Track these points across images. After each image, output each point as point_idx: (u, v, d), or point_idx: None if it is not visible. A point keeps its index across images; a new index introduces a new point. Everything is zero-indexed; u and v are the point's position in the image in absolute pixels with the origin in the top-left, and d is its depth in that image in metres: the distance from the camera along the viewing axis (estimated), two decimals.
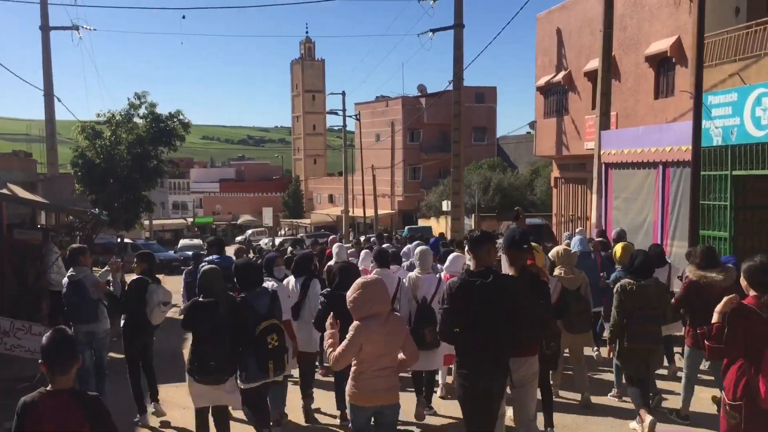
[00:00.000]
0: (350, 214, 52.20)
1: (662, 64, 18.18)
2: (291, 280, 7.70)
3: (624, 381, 7.22)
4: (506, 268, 5.73)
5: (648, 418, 6.42)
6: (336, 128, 64.09)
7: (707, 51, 15.60)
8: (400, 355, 4.92)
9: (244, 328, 5.79)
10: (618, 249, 9.14)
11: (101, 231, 16.10)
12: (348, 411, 5.07)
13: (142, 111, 19.98)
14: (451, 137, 26.59)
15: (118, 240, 17.24)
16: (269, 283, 6.86)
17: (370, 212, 59.22)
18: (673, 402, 7.63)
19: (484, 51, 33.64)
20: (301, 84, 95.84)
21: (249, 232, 70.03)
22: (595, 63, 20.87)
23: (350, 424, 5.10)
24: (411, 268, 8.39)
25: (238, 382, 5.96)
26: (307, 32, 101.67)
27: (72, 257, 7.63)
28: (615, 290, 6.75)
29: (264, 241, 54.32)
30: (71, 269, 7.57)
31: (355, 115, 49.50)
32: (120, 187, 19.27)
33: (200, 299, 5.77)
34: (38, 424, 3.31)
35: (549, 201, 44.30)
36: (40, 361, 3.46)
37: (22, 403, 3.37)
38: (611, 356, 7.19)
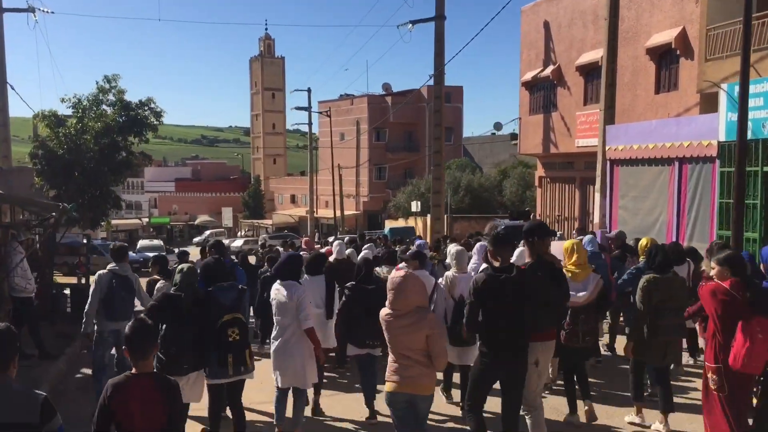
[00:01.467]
0: (315, 215, 50.78)
1: (664, 57, 17.39)
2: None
3: (630, 368, 7.03)
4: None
5: (637, 418, 6.86)
6: (299, 127, 62.65)
7: (714, 43, 14.82)
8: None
9: (206, 319, 5.94)
10: (647, 242, 8.50)
11: (66, 230, 14.45)
12: (385, 401, 5.19)
13: (111, 97, 18.23)
14: (432, 134, 25.44)
15: (84, 240, 15.45)
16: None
17: (332, 213, 57.89)
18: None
19: (457, 48, 32.52)
20: (260, 82, 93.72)
21: (207, 232, 67.96)
22: (588, 56, 20.07)
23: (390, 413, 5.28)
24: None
25: (206, 378, 6.13)
26: (266, 29, 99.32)
27: (121, 253, 8.04)
28: (640, 285, 6.64)
29: (225, 242, 52.45)
30: (115, 264, 7.82)
31: (326, 112, 48.04)
32: (86, 181, 17.48)
33: (170, 292, 6.16)
34: (125, 404, 3.66)
35: (519, 202, 43.86)
36: (123, 347, 3.85)
37: (111, 385, 3.72)
38: (630, 353, 6.83)
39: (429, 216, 41.76)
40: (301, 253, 10.34)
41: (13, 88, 20.67)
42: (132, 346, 3.77)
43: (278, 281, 6.57)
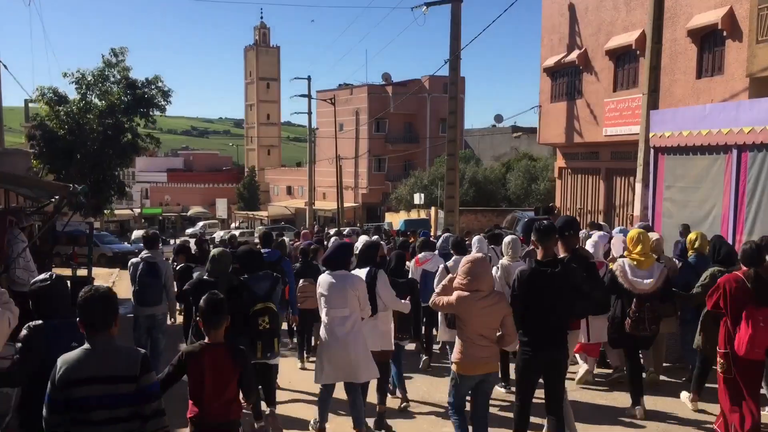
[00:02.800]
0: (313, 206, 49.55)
1: (707, 39, 16.31)
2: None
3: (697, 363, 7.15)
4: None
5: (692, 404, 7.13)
6: (298, 117, 61.09)
7: (766, 23, 13.76)
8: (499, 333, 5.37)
9: (239, 307, 5.89)
10: (696, 237, 8.24)
11: (66, 216, 13.14)
12: (450, 383, 5.50)
13: (116, 74, 16.84)
14: (447, 122, 24.35)
15: (87, 228, 14.15)
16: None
17: (331, 205, 56.66)
18: None
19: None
20: (255, 71, 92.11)
21: (200, 224, 66.66)
22: (619, 39, 18.99)
23: (449, 397, 5.60)
24: (446, 257, 9.05)
25: None
26: (261, 17, 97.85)
27: (153, 241, 8.60)
28: (706, 278, 6.79)
29: (219, 234, 51.30)
30: (146, 251, 8.34)
31: (329, 99, 46.68)
32: (88, 165, 16.16)
33: (204, 277, 6.22)
34: (200, 370, 4.13)
35: (524, 195, 42.83)
36: (198, 318, 4.38)
37: (185, 353, 4.24)
38: (702, 347, 6.85)
39: (433, 208, 40.94)
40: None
41: (6, 68, 19.41)
42: (205, 317, 4.24)
43: (328, 271, 6.30)
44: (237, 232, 48.83)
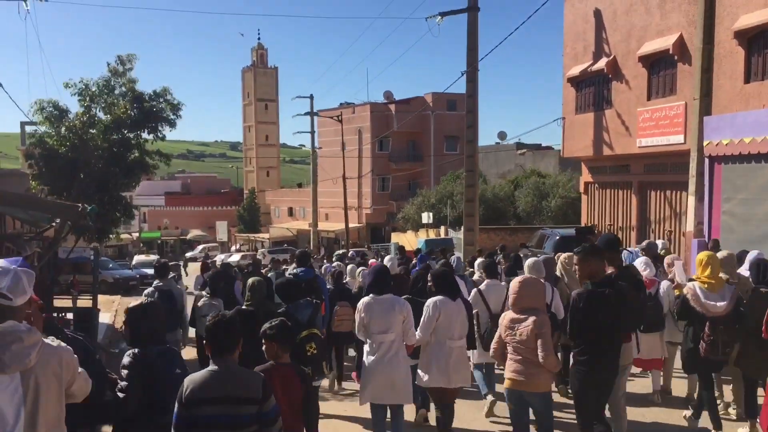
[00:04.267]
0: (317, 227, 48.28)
1: (757, 41, 15.20)
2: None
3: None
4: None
5: None
6: (300, 136, 60.04)
7: None
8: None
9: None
10: (707, 259, 7.13)
11: (76, 242, 11.92)
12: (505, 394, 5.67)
13: (122, 87, 15.52)
14: (465, 136, 23.14)
15: (92, 255, 12.75)
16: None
17: (334, 226, 55.38)
18: None
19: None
20: (253, 92, 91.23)
21: (200, 247, 65.32)
22: (653, 45, 17.91)
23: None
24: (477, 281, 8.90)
25: None
26: (259, 38, 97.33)
27: (163, 270, 8.75)
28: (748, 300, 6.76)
29: (220, 257, 49.98)
30: (158, 281, 8.57)
31: (336, 117, 45.56)
32: (93, 185, 14.80)
33: (242, 307, 6.50)
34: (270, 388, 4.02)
35: (534, 213, 41.63)
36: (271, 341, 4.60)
37: (258, 371, 4.23)
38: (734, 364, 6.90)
39: (443, 227, 39.71)
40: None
41: (1, 86, 18.14)
42: (279, 340, 4.58)
43: (372, 295, 6.35)
44: (238, 256, 47.60)
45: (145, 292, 8.59)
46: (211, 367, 3.69)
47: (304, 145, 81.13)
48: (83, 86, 15.53)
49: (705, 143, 13.29)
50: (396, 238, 45.53)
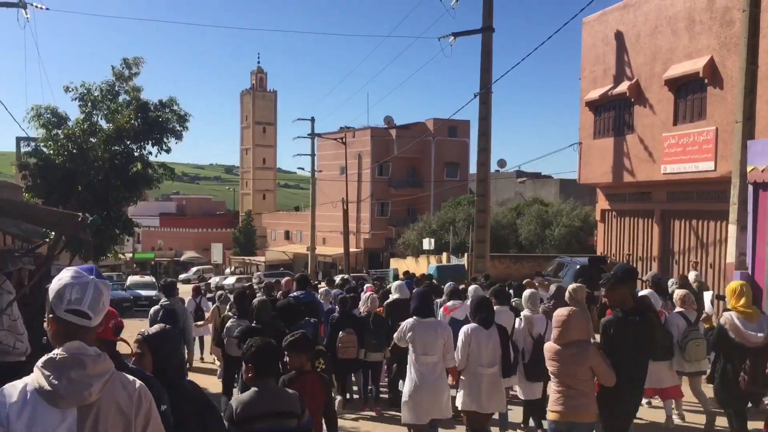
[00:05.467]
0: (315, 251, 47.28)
1: None
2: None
3: None
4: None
5: None
6: (300, 158, 59.11)
7: None
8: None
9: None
10: (740, 288, 7.04)
11: (72, 258, 10.82)
12: (548, 427, 5.56)
13: (125, 95, 14.54)
14: (477, 159, 22.31)
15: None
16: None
17: (332, 250, 54.43)
18: None
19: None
20: (251, 115, 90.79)
21: (194, 269, 64.22)
22: (681, 68, 17.19)
23: None
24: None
25: None
26: (258, 62, 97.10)
27: (170, 289, 9.15)
28: None
29: (215, 279, 48.87)
30: (164, 299, 9.05)
31: (340, 138, 44.79)
32: (92, 198, 13.75)
33: (252, 325, 6.99)
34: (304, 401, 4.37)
35: (537, 241, 40.83)
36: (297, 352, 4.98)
37: (283, 380, 4.78)
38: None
39: (445, 254, 38.81)
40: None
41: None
42: (297, 349, 4.93)
43: (416, 318, 6.68)
44: (233, 279, 46.49)
45: (152, 309, 9.02)
46: (254, 388, 4.08)
47: (303, 168, 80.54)
48: (85, 90, 14.50)
49: (749, 169, 12.45)
50: (395, 263, 44.59)
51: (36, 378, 2.29)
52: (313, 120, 44.79)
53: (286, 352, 4.92)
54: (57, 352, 2.31)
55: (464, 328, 6.76)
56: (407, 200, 54.07)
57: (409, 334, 6.61)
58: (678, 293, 9.39)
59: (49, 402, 2.25)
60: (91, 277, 2.43)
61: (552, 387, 5.49)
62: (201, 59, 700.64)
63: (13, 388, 2.31)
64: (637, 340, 5.53)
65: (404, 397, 6.70)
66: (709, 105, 16.56)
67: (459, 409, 6.95)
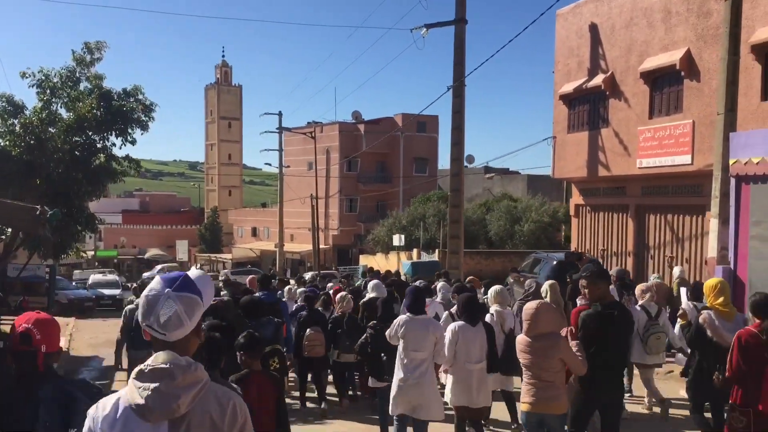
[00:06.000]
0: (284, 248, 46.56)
1: None
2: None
3: None
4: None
5: None
6: (268, 153, 58.31)
7: None
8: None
9: None
10: (720, 285, 7.12)
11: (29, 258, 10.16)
12: (520, 418, 5.86)
13: (84, 84, 13.71)
14: (451, 154, 21.96)
15: (47, 274, 11.17)
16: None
17: (300, 247, 53.73)
18: None
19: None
20: (216, 110, 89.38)
21: (158, 267, 62.90)
22: (657, 60, 17.01)
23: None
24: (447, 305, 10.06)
25: None
26: (223, 56, 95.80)
27: (143, 289, 7.12)
28: None
29: None
30: (134, 299, 9.02)
31: (310, 133, 44.04)
32: (51, 192, 12.93)
33: (217, 322, 6.45)
34: (247, 393, 4.24)
35: (507, 237, 40.72)
36: (240, 351, 5.09)
37: (231, 379, 4.58)
38: None
39: (415, 250, 38.44)
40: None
41: None
42: (247, 349, 5.07)
43: (409, 314, 6.81)
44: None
45: (127, 308, 8.72)
46: None
47: (270, 164, 79.33)
48: (43, 77, 13.60)
49: (731, 161, 12.24)
50: (365, 260, 44.11)
51: (128, 390, 2.26)
52: (280, 114, 44.15)
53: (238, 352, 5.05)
54: (147, 363, 2.26)
55: (452, 326, 6.93)
56: (376, 196, 53.59)
57: (401, 330, 6.74)
58: (639, 287, 9.79)
59: (139, 416, 2.21)
60: (166, 290, 2.33)
61: (524, 379, 5.60)
62: (164, 53, 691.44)
63: (108, 401, 2.29)
64: (617, 333, 5.74)
65: (392, 391, 6.85)
66: (685, 98, 16.40)
67: (450, 404, 7.08)
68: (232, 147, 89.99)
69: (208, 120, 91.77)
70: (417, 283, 11.20)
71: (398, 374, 6.76)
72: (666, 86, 17.05)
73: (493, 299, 8.43)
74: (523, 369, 5.58)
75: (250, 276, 17.34)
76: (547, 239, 39.45)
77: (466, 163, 57.84)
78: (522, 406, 5.58)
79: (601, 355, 5.63)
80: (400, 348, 6.79)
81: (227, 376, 4.69)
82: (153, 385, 2.20)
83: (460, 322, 6.90)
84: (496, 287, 8.59)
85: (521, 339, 5.57)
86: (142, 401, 2.19)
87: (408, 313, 6.83)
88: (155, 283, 2.39)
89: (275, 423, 4.93)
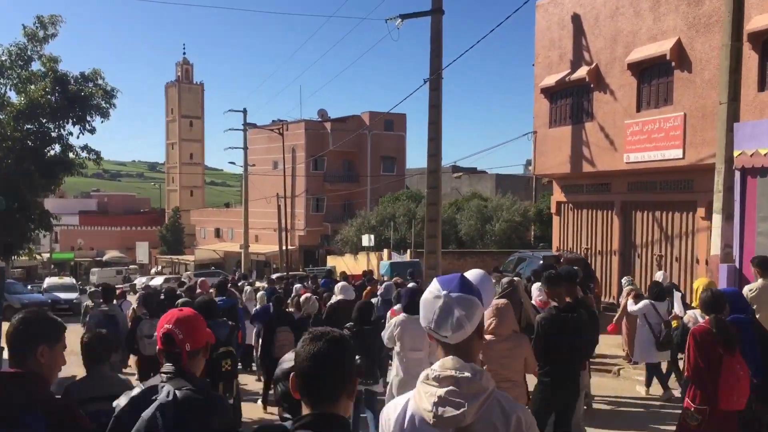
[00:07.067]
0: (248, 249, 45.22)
1: None
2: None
3: None
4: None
5: None
6: (232, 151, 56.80)
7: None
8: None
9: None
10: (707, 286, 7.19)
11: None
12: None
13: (37, 66, 12.40)
14: (428, 150, 21.01)
15: None
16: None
17: (265, 248, 52.45)
18: None
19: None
20: (177, 109, 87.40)
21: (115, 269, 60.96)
22: (645, 51, 16.38)
23: None
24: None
25: None
26: (184, 53, 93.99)
27: (110, 294, 9.31)
28: None
29: (141, 280, 46.36)
30: (104, 305, 9.08)
31: (277, 129, 42.75)
32: (0, 186, 11.52)
33: None
34: None
35: (478, 237, 40.11)
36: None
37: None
38: None
39: (386, 250, 37.55)
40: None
41: None
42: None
43: (405, 315, 6.97)
44: (161, 279, 43.95)
45: (90, 315, 9.17)
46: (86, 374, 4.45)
47: (234, 163, 77.84)
48: None
49: (736, 153, 11.57)
50: (333, 261, 43.10)
51: (415, 394, 2.33)
52: (245, 111, 42.78)
53: None
54: (434, 369, 2.30)
55: None
56: (343, 195, 52.59)
57: (397, 330, 6.87)
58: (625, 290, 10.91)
59: (427, 420, 2.24)
60: (444, 292, 2.37)
61: None
62: (122, 49, 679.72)
63: (397, 406, 2.39)
64: (566, 336, 5.94)
65: (393, 392, 6.84)
66: (676, 89, 15.77)
67: None
68: (193, 146, 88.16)
69: (169, 119, 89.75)
70: (411, 284, 10.98)
71: (398, 375, 6.89)
72: (655, 77, 16.41)
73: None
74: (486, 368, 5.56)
75: (201, 279, 16.56)
76: (519, 239, 38.96)
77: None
78: None
79: (557, 356, 5.92)
80: (396, 349, 6.89)
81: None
82: (440, 392, 2.24)
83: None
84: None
85: (488, 337, 5.48)
86: (429, 407, 2.24)
87: (404, 314, 6.96)
88: (433, 287, 2.41)
89: None
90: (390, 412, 2.38)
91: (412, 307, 6.83)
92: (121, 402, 3.00)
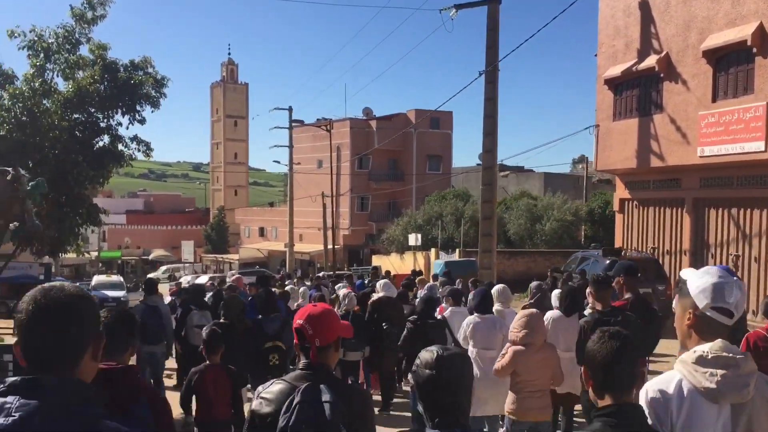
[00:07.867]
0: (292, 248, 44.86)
1: None
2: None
3: None
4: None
5: None
6: (277, 149, 56.57)
7: None
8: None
9: (252, 345, 6.97)
10: None
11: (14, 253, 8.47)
12: (507, 424, 5.86)
13: (85, 49, 11.90)
14: (483, 146, 20.19)
15: (41, 273, 9.49)
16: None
17: (309, 247, 52.07)
18: None
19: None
20: (222, 109, 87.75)
21: (163, 268, 61.34)
22: (722, 37, 15.32)
23: None
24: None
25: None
26: (229, 53, 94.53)
27: (152, 287, 9.53)
28: None
29: (187, 278, 46.33)
30: (148, 297, 9.27)
31: (324, 127, 42.36)
32: (48, 177, 11.01)
33: (220, 321, 7.22)
34: (203, 385, 5.42)
35: (527, 237, 39.04)
36: (201, 347, 5.86)
37: (193, 372, 5.53)
38: None
39: (433, 250, 36.76)
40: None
41: None
42: (207, 345, 5.63)
43: (477, 314, 6.96)
44: (206, 278, 43.86)
45: (134, 307, 9.38)
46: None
47: (279, 161, 77.43)
48: (36, 37, 11.72)
49: None
50: (378, 260, 42.43)
51: (688, 374, 2.39)
52: (290, 109, 42.44)
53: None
54: (706, 350, 2.37)
55: (549, 314, 7.12)
56: (388, 194, 51.89)
57: (469, 329, 6.91)
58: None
59: (707, 398, 2.34)
60: (734, 278, 2.47)
61: (513, 387, 5.68)
62: (168, 50, 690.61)
63: (669, 384, 2.43)
64: None
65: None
66: (757, 77, 14.70)
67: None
68: (238, 146, 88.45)
69: (214, 119, 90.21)
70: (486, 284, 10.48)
71: (475, 374, 6.90)
72: (733, 65, 15.34)
73: (495, 298, 8.25)
74: (514, 377, 5.65)
75: (235, 275, 16.25)
76: (570, 238, 37.78)
77: (479, 161, 56.09)
78: (512, 415, 5.64)
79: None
80: (470, 349, 6.88)
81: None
82: (721, 372, 2.33)
83: (556, 312, 7.16)
84: (498, 286, 8.54)
85: (518, 348, 5.61)
86: (712, 386, 2.33)
87: (476, 314, 6.99)
88: (719, 271, 2.46)
89: (232, 411, 5.48)
90: (660, 393, 2.43)
91: (482, 306, 6.93)
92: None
